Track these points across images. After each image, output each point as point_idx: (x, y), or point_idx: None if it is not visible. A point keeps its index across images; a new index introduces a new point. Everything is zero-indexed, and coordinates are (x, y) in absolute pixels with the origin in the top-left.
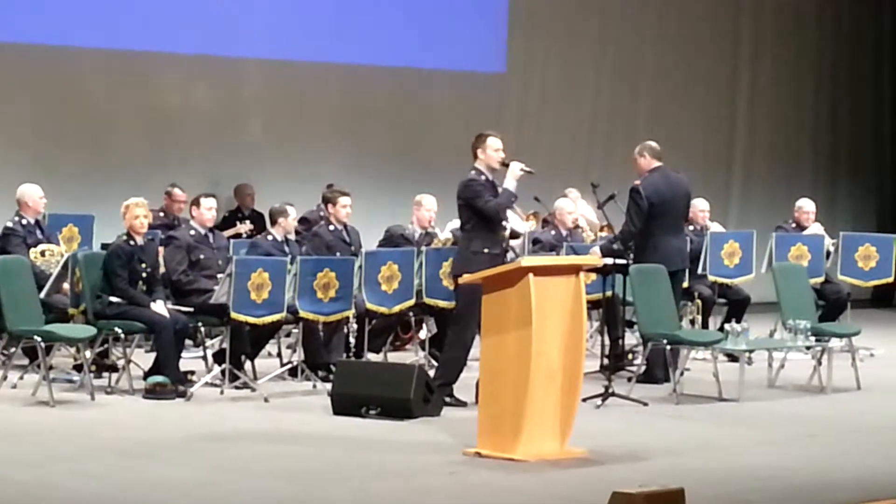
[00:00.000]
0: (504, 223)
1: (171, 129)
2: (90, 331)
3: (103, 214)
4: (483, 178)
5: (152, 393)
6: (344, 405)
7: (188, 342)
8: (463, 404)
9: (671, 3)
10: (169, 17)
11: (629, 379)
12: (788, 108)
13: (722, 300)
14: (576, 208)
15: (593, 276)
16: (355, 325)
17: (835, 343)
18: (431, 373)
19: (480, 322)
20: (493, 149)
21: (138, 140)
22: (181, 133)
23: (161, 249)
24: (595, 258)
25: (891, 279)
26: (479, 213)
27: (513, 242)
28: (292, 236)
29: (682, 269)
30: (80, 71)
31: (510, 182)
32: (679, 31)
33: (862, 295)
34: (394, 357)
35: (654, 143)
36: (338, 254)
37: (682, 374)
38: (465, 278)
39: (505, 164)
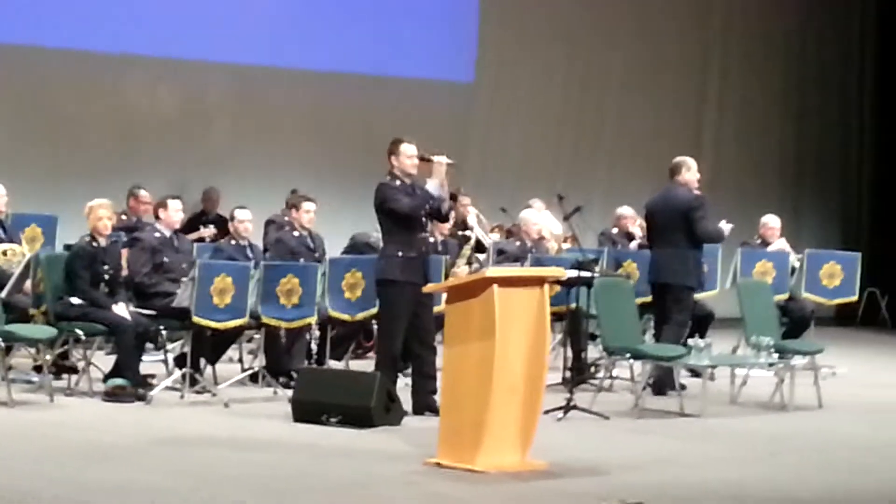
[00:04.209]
0: (468, 234)
1: (137, 132)
2: (51, 332)
3: (67, 215)
4: (398, 182)
5: (112, 396)
6: (305, 412)
7: (149, 345)
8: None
9: (640, 16)
10: (137, 19)
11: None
12: (756, 126)
13: None
14: (540, 219)
15: (557, 287)
16: (318, 332)
17: (797, 361)
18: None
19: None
20: (407, 156)
21: (103, 141)
22: (147, 135)
23: (124, 251)
24: (559, 270)
25: (854, 298)
26: (393, 216)
27: (479, 254)
28: (253, 239)
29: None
30: (46, 72)
31: (433, 182)
32: (647, 46)
33: (826, 313)
34: (356, 365)
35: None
36: (301, 260)
37: (643, 388)
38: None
39: (427, 160)
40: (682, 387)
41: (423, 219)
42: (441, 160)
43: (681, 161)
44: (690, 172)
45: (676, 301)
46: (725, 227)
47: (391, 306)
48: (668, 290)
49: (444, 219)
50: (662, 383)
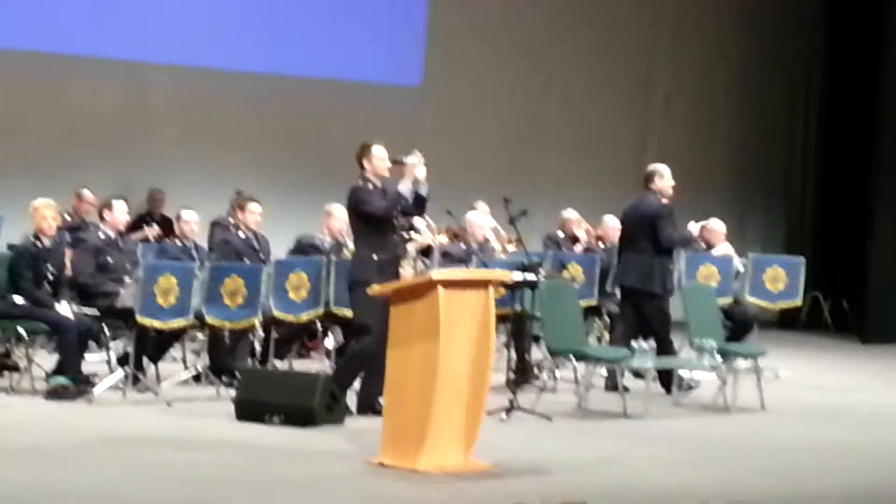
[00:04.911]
0: (412, 234)
1: (82, 132)
2: None
3: (11, 215)
4: (370, 185)
5: (54, 394)
6: (247, 412)
7: (92, 344)
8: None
9: (588, 20)
10: (82, 20)
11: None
12: (701, 132)
13: None
14: (486, 222)
15: (503, 290)
16: (262, 333)
17: (740, 363)
18: None
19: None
20: (379, 158)
21: (48, 142)
22: (92, 136)
23: (68, 251)
24: (504, 273)
25: (798, 302)
26: (367, 219)
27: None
28: (199, 240)
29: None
30: None
31: (404, 183)
32: (595, 51)
33: (769, 317)
34: (299, 365)
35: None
36: (246, 261)
37: (586, 389)
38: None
39: (399, 162)
40: (626, 388)
41: (396, 220)
42: (412, 160)
43: (654, 169)
44: (663, 180)
45: (637, 306)
46: (694, 227)
47: (367, 306)
48: (630, 293)
49: (420, 212)
50: (615, 379)
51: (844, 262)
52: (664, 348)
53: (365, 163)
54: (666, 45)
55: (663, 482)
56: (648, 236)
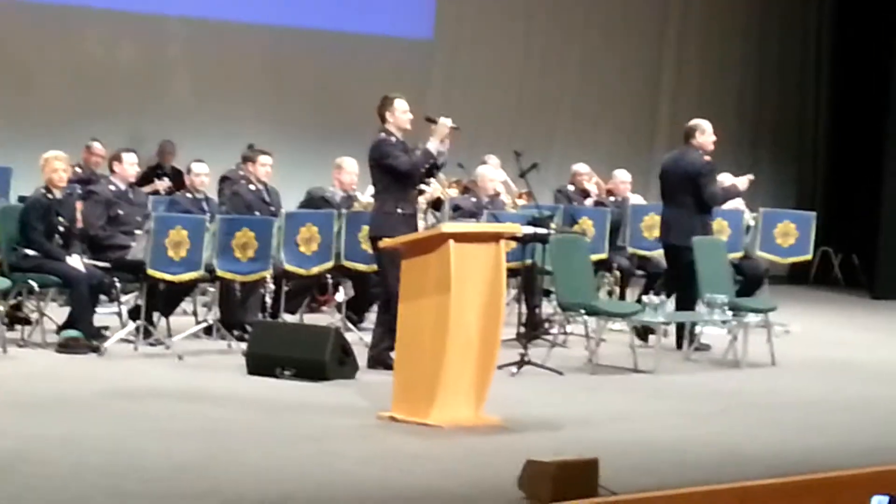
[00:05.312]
0: (423, 187)
1: (94, 84)
2: (5, 283)
3: (22, 167)
4: (394, 138)
5: (65, 347)
6: (258, 365)
7: (103, 297)
8: None
9: None
10: None
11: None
12: (713, 91)
13: (640, 272)
14: (497, 175)
15: (513, 244)
16: (272, 286)
17: (751, 318)
18: (349, 336)
19: None
20: (402, 111)
21: (60, 94)
22: (104, 88)
23: (79, 204)
24: (515, 226)
25: (809, 257)
26: (392, 173)
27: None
28: (210, 193)
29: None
30: (2, 23)
31: (433, 141)
32: (608, 4)
33: (779, 271)
34: (310, 319)
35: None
36: (257, 213)
37: (597, 344)
38: (385, 243)
39: (432, 121)
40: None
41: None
42: (445, 122)
43: (695, 124)
44: (704, 136)
45: (677, 260)
46: (742, 181)
47: (396, 266)
48: (672, 250)
49: (434, 174)
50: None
51: (855, 217)
52: (685, 304)
53: (388, 115)
54: (680, 4)
55: (674, 437)
56: (690, 192)
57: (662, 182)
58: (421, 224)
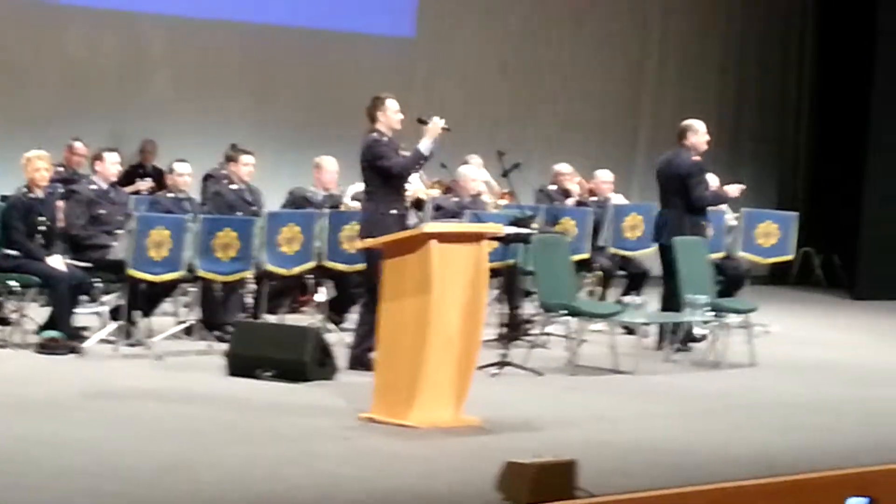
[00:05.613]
0: (405, 187)
1: (76, 82)
2: None
3: (3, 166)
4: (385, 139)
5: (45, 348)
6: (239, 366)
7: (84, 298)
8: None
9: None
10: None
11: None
12: (695, 82)
13: (622, 272)
14: (479, 175)
15: (495, 244)
16: (254, 286)
17: (732, 319)
18: (329, 337)
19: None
20: (393, 111)
21: (41, 92)
22: (86, 86)
23: (60, 203)
24: (497, 226)
25: (790, 257)
26: (384, 174)
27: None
28: (193, 193)
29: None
30: None
31: (425, 142)
32: (587, 3)
33: (761, 272)
34: (291, 319)
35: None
36: (239, 213)
37: (578, 345)
38: (367, 242)
39: (424, 122)
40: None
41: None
42: (438, 123)
43: (687, 125)
44: (697, 136)
45: (664, 260)
46: (733, 189)
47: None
48: (660, 250)
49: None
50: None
51: (836, 218)
52: (672, 305)
53: (379, 115)
54: (660, 1)
55: (654, 438)
56: (680, 194)
57: (658, 183)
58: None
